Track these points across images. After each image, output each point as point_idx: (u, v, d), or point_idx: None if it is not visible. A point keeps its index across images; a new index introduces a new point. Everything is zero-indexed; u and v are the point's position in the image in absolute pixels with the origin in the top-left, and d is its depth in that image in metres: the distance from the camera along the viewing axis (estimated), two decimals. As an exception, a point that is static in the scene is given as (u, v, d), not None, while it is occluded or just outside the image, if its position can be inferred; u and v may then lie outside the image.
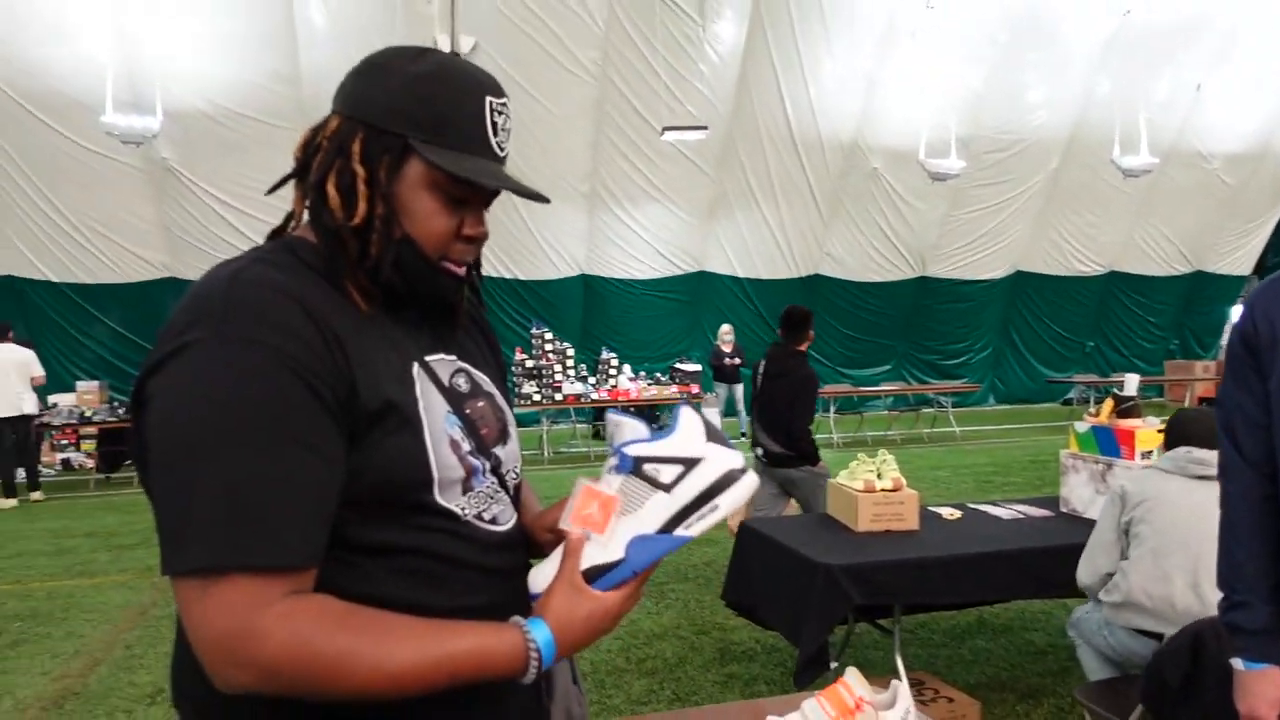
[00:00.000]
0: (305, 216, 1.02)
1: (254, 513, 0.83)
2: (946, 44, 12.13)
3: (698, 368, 11.66)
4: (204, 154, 11.12)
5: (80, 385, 10.99)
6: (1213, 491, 2.51)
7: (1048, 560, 3.05)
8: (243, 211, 11.53)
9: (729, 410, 12.04)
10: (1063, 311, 15.91)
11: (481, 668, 0.91)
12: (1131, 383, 3.46)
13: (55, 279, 11.84)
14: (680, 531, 1.00)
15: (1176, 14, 12.43)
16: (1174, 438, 2.79)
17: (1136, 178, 12.90)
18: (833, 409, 12.08)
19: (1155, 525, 2.67)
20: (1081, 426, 3.50)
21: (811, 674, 2.86)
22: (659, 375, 11.75)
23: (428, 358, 1.03)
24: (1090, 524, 3.36)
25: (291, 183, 1.04)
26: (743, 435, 12.27)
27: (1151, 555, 2.66)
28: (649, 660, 4.14)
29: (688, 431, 1.03)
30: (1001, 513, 3.63)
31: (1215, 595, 2.47)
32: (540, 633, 0.94)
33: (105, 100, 9.49)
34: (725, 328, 12.43)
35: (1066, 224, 15.05)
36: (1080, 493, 3.53)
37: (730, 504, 1.02)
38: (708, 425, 1.03)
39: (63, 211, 11.35)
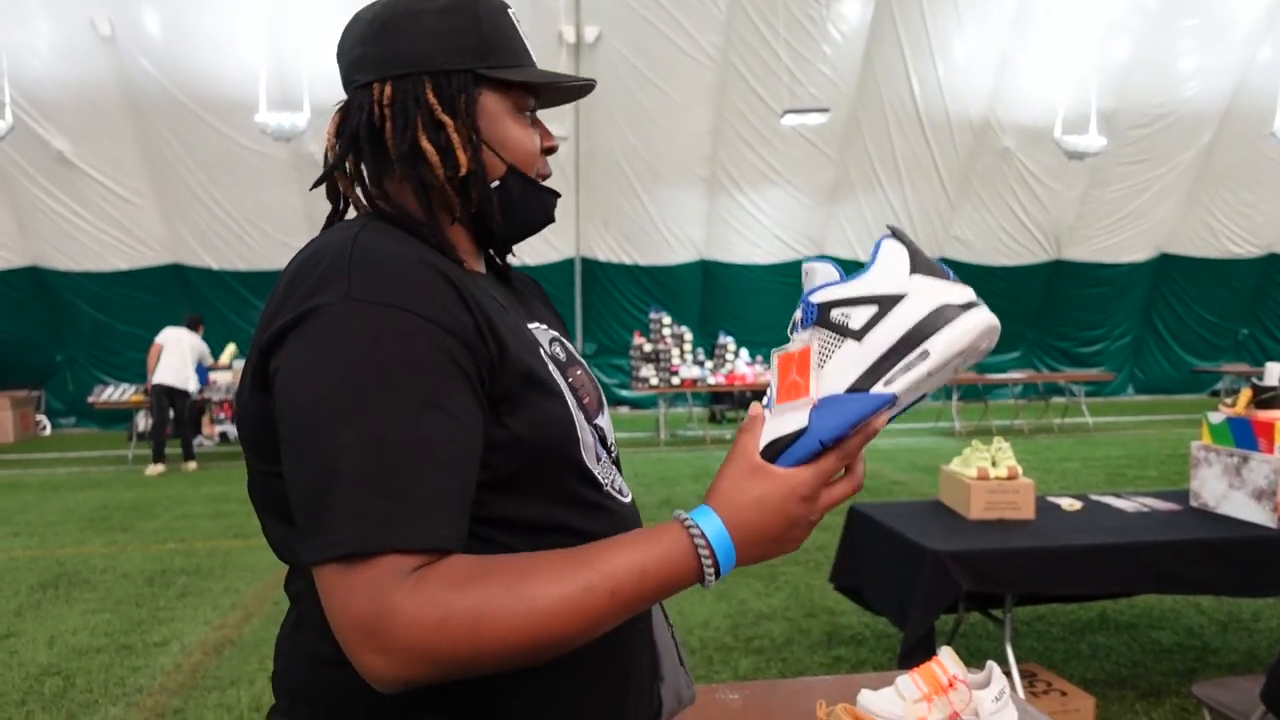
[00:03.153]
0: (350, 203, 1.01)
1: (401, 489, 0.75)
2: (1088, 14, 11.52)
3: (815, 353, 11.52)
4: (347, 148, 11.78)
5: (237, 364, 11.90)
6: None
7: (1173, 555, 2.95)
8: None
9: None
10: (1213, 296, 14.90)
11: (645, 579, 0.77)
12: (1273, 372, 3.28)
13: (215, 266, 12.84)
14: (878, 389, 0.79)
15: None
16: None
17: (1302, 151, 11.93)
18: (955, 396, 11.75)
19: None
20: (1216, 417, 3.34)
21: (916, 660, 2.87)
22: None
23: (528, 325, 0.97)
24: (1221, 520, 3.23)
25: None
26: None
27: None
28: (757, 639, 4.22)
29: (888, 264, 0.82)
30: (1125, 505, 3.51)
31: None
32: (707, 522, 0.79)
33: (259, 100, 10.21)
34: (845, 313, 12.22)
35: (1219, 203, 14.06)
36: (1212, 486, 3.38)
37: (946, 349, 0.78)
38: (915, 255, 0.82)
39: (222, 204, 12.28)
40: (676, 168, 12.62)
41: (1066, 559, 2.88)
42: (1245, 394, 3.27)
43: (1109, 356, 14.97)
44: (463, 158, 0.91)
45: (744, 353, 11.57)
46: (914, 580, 2.87)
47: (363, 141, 0.94)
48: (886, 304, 0.80)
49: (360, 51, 0.94)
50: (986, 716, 1.54)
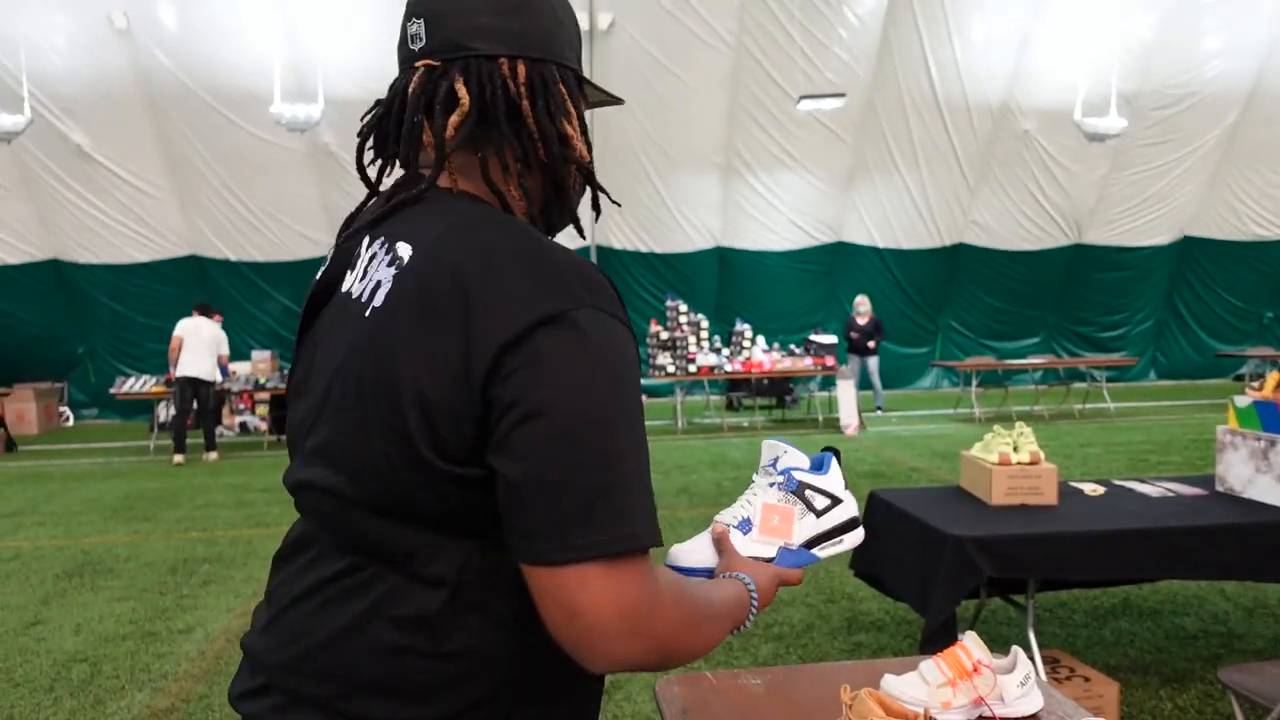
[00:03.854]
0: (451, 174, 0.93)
1: (648, 494, 0.82)
2: (1109, -6, 11.36)
3: (833, 340, 11.51)
4: (361, 138, 11.82)
5: (255, 355, 11.99)
6: None
7: (1198, 540, 2.92)
8: (395, 191, 12.20)
9: (863, 383, 11.84)
10: (1237, 280, 14.71)
11: (735, 612, 0.98)
12: (1299, 355, 3.22)
13: (233, 258, 12.92)
14: (816, 550, 1.19)
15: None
16: None
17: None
18: (975, 382, 11.67)
19: None
20: (1242, 401, 3.30)
21: (937, 645, 2.86)
22: (793, 347, 11.67)
23: None
24: (1247, 504, 3.19)
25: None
26: (878, 409, 12.04)
27: None
28: (776, 625, 4.21)
29: (836, 475, 1.22)
30: (1149, 490, 3.47)
31: None
32: (751, 585, 1.04)
33: (274, 91, 10.24)
34: (860, 299, 12.20)
35: (1244, 184, 13.85)
36: (1238, 471, 3.34)
37: (850, 543, 1.21)
38: (844, 474, 1.24)
39: (239, 195, 12.35)
40: (692, 154, 12.57)
41: (1089, 544, 2.85)
42: (1273, 377, 3.22)
43: (1130, 341, 14.82)
44: (584, 149, 0.95)
45: (760, 340, 11.54)
46: (936, 566, 2.85)
47: (500, 117, 0.90)
48: (835, 501, 1.20)
49: (490, 22, 0.91)
50: (1011, 701, 1.53)
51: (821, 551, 1.19)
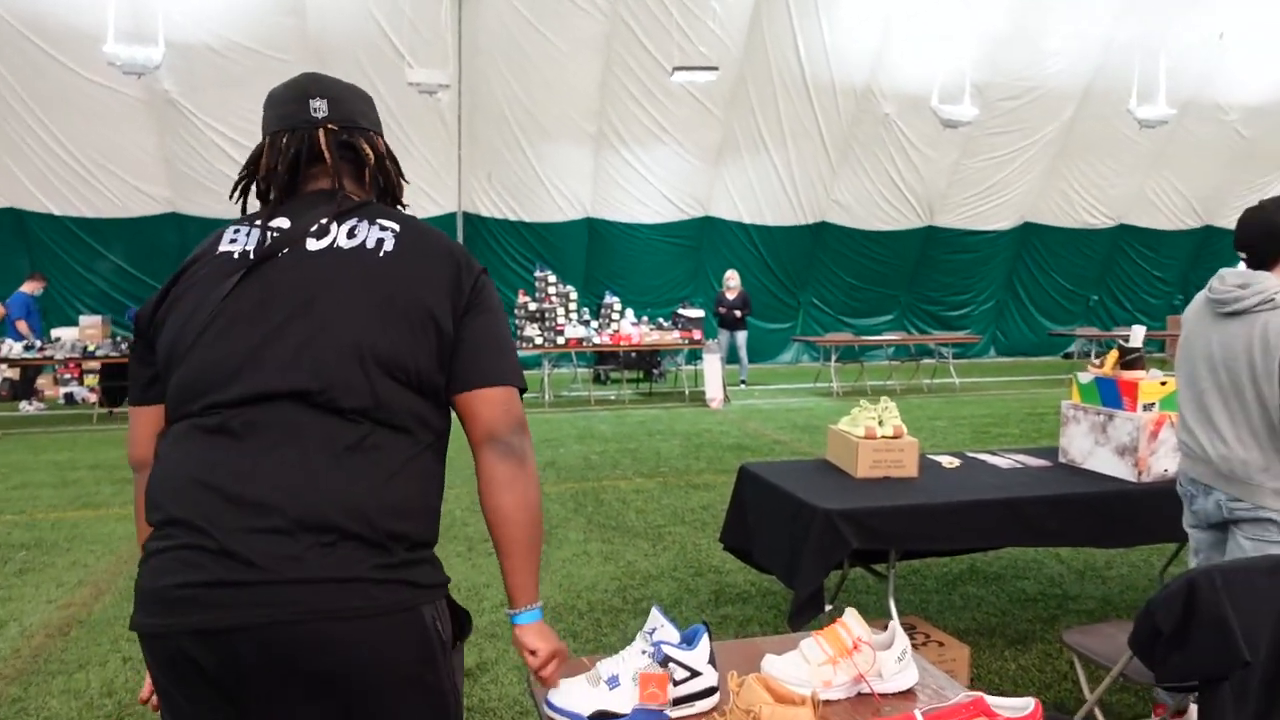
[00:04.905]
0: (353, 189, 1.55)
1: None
2: (966, -14, 11.84)
3: (700, 314, 11.64)
4: (207, 87, 10.97)
5: (83, 320, 11.00)
6: (1228, 327, 2.53)
7: (1046, 510, 3.07)
8: (245, 147, 11.41)
9: (731, 357, 12.05)
10: (1068, 264, 15.83)
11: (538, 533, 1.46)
12: (1138, 335, 3.43)
13: (58, 212, 11.78)
14: (668, 712, 1.44)
15: (1202, -41, 12.12)
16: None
17: (1152, 129, 12.69)
18: (834, 357, 12.09)
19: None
20: (1085, 377, 3.49)
21: (806, 616, 2.90)
22: (661, 320, 11.72)
23: None
24: (1088, 475, 3.39)
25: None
26: (742, 383, 12.30)
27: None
28: (644, 601, 4.20)
29: (703, 650, 1.46)
30: (1000, 462, 3.64)
31: (1219, 443, 2.56)
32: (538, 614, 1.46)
33: (107, 30, 9.32)
34: (730, 274, 12.38)
35: (1078, 175, 14.87)
36: (1080, 444, 3.54)
37: (704, 708, 1.45)
38: (712, 651, 1.48)
39: (64, 143, 11.24)
40: (563, 122, 12.35)
41: (950, 515, 2.94)
42: (1113, 355, 3.41)
43: (974, 320, 15.72)
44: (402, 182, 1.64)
45: (630, 312, 11.53)
46: (804, 539, 2.87)
47: (380, 163, 1.55)
48: (694, 674, 1.44)
49: (366, 109, 1.57)
50: (890, 676, 1.52)
51: (672, 713, 1.44)
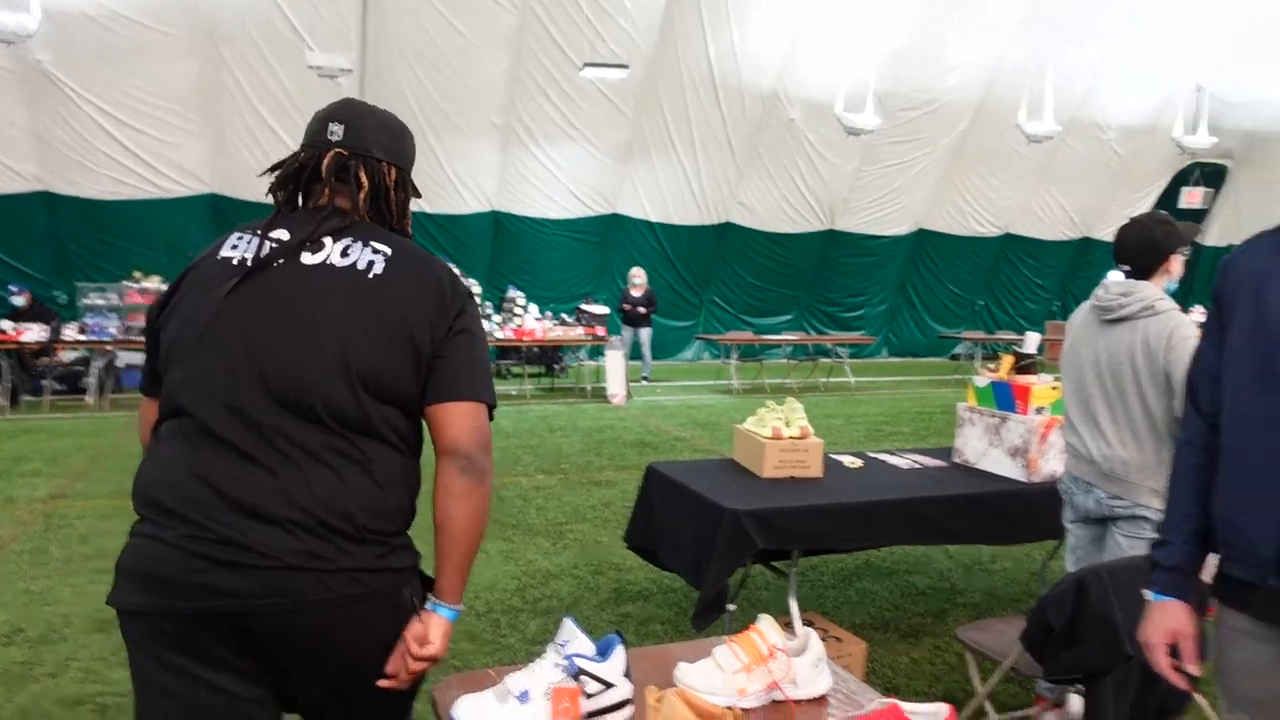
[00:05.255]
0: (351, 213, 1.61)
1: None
2: (872, -2, 12.16)
3: (605, 310, 11.62)
4: (85, 59, 10.28)
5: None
6: (1112, 333, 2.64)
7: (944, 509, 3.16)
8: (126, 124, 10.77)
9: (634, 353, 12.07)
10: (958, 270, 16.48)
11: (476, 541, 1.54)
12: (1031, 341, 3.58)
13: (-90, 185, 10.85)
14: None
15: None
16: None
17: (1039, 144, 13.32)
18: (735, 355, 12.26)
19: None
20: (981, 381, 3.61)
21: (710, 616, 2.90)
22: (565, 316, 11.64)
23: None
24: (982, 475, 3.51)
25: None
26: (644, 380, 12.34)
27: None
28: (544, 600, 4.14)
29: (617, 662, 1.42)
30: (900, 462, 3.73)
31: (1102, 444, 2.69)
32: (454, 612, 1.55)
33: (-30, -11, 8.62)
34: (635, 271, 12.39)
35: (970, 185, 15.49)
36: (974, 445, 3.66)
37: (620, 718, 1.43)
38: (628, 663, 1.44)
39: (-80, 113, 10.37)
40: (471, 115, 12.11)
41: (854, 515, 3.00)
42: (1008, 360, 3.54)
43: (869, 321, 16.20)
44: (409, 218, 1.72)
45: (533, 308, 11.40)
46: (712, 539, 2.87)
47: (379, 193, 1.62)
48: (607, 686, 1.40)
49: (384, 140, 1.63)
50: (804, 683, 1.52)
51: None
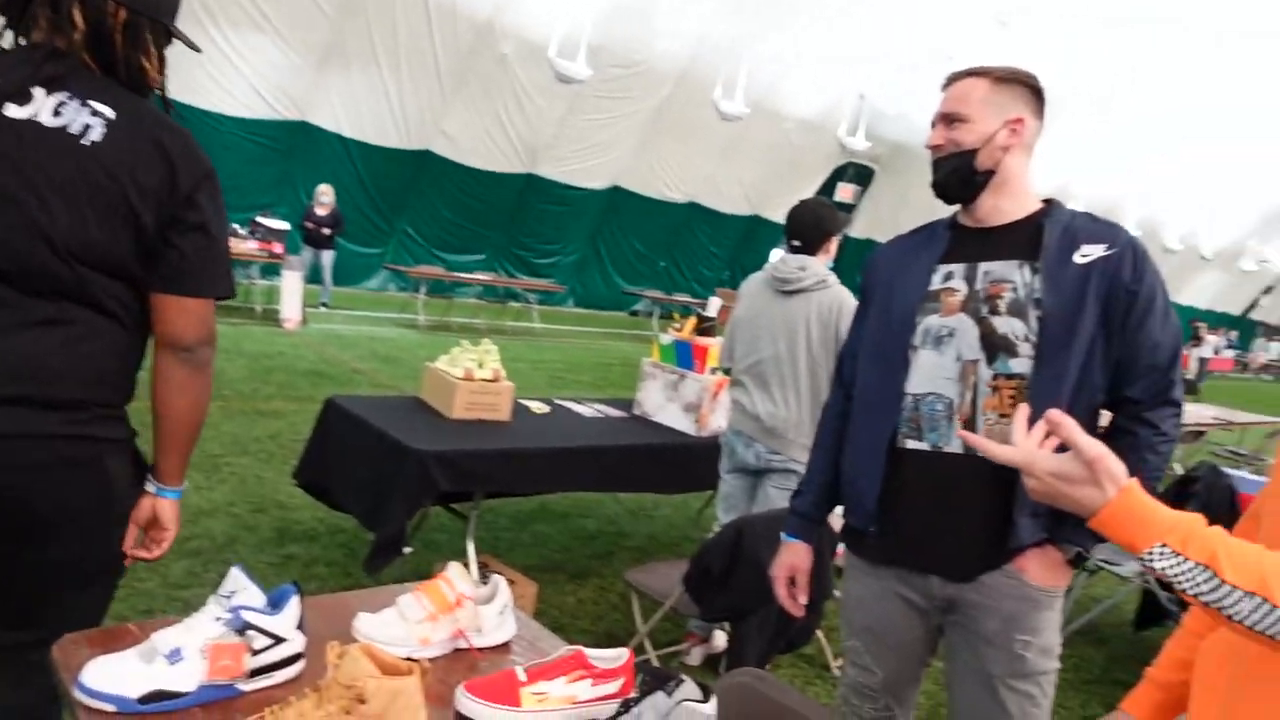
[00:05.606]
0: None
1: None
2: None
3: (284, 226, 10.66)
4: None
5: None
6: (789, 304, 2.92)
7: (623, 458, 3.30)
8: None
9: (314, 276, 11.26)
10: (646, 230, 17.30)
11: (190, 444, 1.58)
12: (714, 305, 3.83)
13: None
14: (242, 685, 1.23)
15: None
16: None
17: (729, 123, 14.27)
18: (423, 290, 11.90)
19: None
20: (666, 339, 3.80)
21: (385, 558, 2.80)
22: (237, 228, 10.51)
23: None
24: (658, 428, 3.72)
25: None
26: (323, 306, 11.58)
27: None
28: (194, 540, 3.75)
29: (289, 614, 1.28)
30: (585, 410, 3.84)
31: (768, 403, 2.98)
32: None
33: None
34: (323, 188, 11.52)
35: (665, 151, 16.23)
36: (654, 398, 3.86)
37: (285, 677, 1.27)
38: (302, 615, 1.30)
39: None
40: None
41: (539, 460, 3.03)
42: (691, 321, 3.76)
43: (560, 270, 16.51)
44: (155, 73, 1.51)
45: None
46: (394, 479, 2.76)
47: (102, 41, 1.42)
48: (278, 640, 1.26)
49: None
50: (489, 631, 1.49)
51: (246, 685, 1.24)
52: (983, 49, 14.75)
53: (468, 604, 1.46)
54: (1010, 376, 1.61)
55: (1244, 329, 30.25)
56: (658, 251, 17.81)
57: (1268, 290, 29.76)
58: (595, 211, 16.44)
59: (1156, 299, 1.60)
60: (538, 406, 3.72)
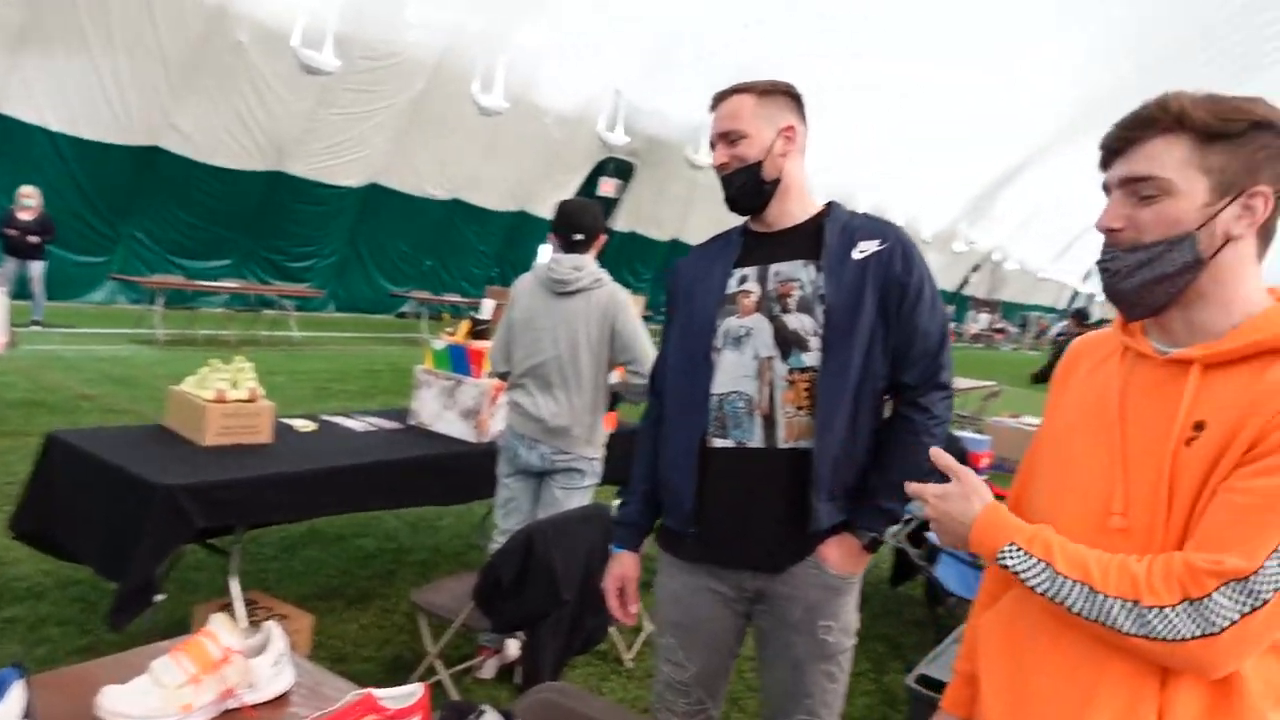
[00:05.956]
0: None
1: None
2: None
3: (-20, 233, 9.29)
4: None
5: None
6: (567, 304, 2.88)
7: (401, 472, 3.14)
8: None
9: (21, 291, 9.88)
10: (409, 229, 16.72)
11: None
12: (487, 308, 3.74)
13: None
14: None
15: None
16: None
17: (489, 117, 14.08)
18: (161, 301, 10.79)
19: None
20: (439, 344, 3.67)
21: (133, 610, 2.49)
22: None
23: None
24: (437, 437, 3.59)
25: None
26: (36, 324, 10.21)
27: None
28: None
29: (13, 704, 1.09)
30: (356, 425, 3.62)
31: (551, 403, 2.97)
32: None
33: None
34: (28, 189, 10.14)
35: (424, 147, 15.74)
36: (430, 407, 3.72)
37: None
38: (30, 701, 1.09)
39: None
40: None
41: (309, 483, 2.82)
42: (465, 325, 3.66)
43: (317, 273, 15.58)
44: None
45: None
46: (139, 520, 2.45)
47: None
48: None
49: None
50: (264, 684, 1.36)
51: None
52: (732, 48, 15.59)
53: (236, 658, 1.31)
54: (804, 370, 1.70)
55: (959, 303, 34.26)
56: (423, 250, 17.28)
57: (975, 268, 33.80)
58: (353, 210, 15.66)
59: (925, 289, 1.73)
60: (303, 424, 3.47)
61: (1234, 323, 1.09)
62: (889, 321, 1.71)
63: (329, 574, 4.03)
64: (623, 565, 1.92)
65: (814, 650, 1.76)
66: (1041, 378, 9.02)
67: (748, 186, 1.75)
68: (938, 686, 2.53)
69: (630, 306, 3.03)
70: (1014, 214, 31.59)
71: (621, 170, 19.38)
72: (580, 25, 14.74)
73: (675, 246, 21.02)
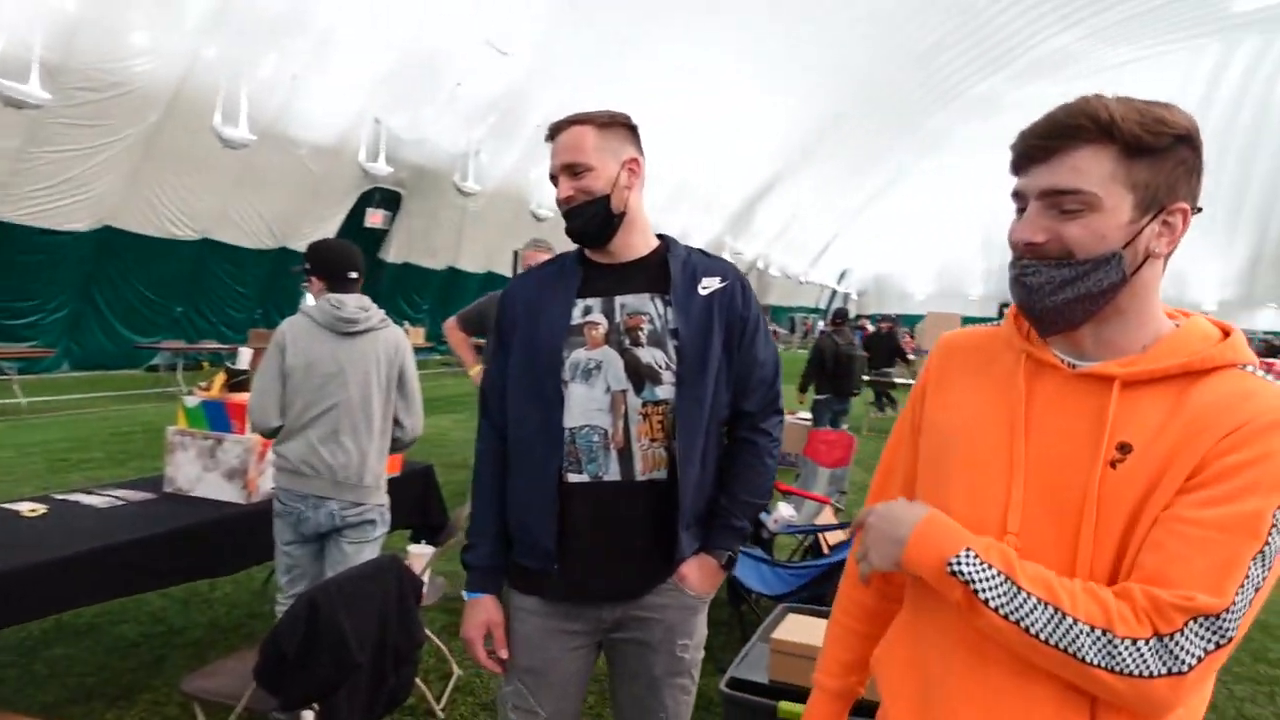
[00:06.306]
0: None
1: None
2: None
3: None
4: None
5: None
6: (355, 345, 2.80)
7: (153, 549, 2.79)
8: None
9: None
10: (153, 274, 15.26)
11: None
12: (244, 357, 3.43)
13: None
14: None
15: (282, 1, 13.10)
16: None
17: (235, 150, 13.16)
18: None
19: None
20: (191, 401, 3.32)
21: None
22: None
23: None
24: (199, 503, 3.23)
25: None
26: None
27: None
28: None
29: None
30: (97, 501, 3.19)
31: (341, 454, 2.79)
32: None
33: None
34: None
35: (164, 184, 14.45)
36: (188, 470, 3.35)
37: None
38: None
39: None
40: None
41: (35, 578, 2.42)
42: (219, 378, 3.34)
43: (44, 330, 13.85)
44: None
45: None
46: None
47: None
48: None
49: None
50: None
51: None
52: (481, 76, 15.53)
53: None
54: (658, 403, 1.71)
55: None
56: (171, 296, 15.82)
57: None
58: (83, 257, 14.06)
59: (760, 323, 1.82)
60: (29, 508, 3.01)
61: (1145, 341, 1.05)
62: (731, 355, 1.78)
63: (81, 672, 3.53)
64: (487, 611, 1.80)
65: (671, 667, 1.80)
66: (804, 387, 9.57)
67: (596, 220, 1.74)
68: (749, 688, 2.58)
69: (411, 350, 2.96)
70: (771, 225, 33.89)
71: (388, 201, 18.76)
72: (326, 53, 14.18)
73: (453, 274, 20.63)
